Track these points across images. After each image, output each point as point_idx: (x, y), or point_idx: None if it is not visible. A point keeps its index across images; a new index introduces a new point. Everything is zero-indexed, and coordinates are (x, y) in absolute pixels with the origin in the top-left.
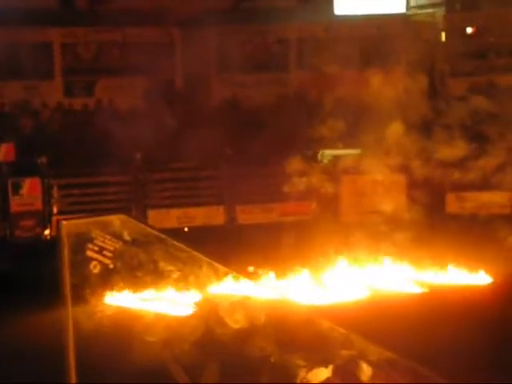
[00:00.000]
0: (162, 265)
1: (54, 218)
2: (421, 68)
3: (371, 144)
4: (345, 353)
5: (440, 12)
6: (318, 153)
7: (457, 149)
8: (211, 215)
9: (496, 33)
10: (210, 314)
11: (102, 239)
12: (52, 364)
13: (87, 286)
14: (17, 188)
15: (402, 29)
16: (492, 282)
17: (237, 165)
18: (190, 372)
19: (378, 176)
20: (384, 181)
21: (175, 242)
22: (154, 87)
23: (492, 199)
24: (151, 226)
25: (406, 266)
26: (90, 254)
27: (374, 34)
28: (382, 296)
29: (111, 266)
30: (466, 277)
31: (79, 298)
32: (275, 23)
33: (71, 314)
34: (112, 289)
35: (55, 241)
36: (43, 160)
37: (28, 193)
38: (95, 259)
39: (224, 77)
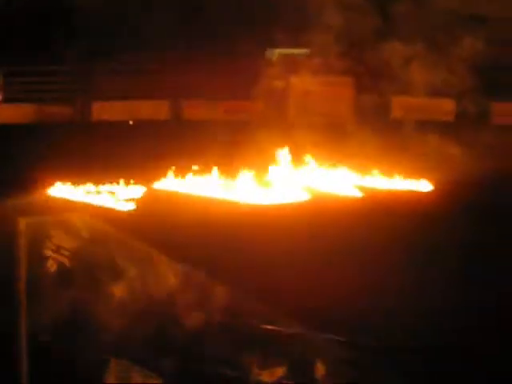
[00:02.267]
0: (120, 263)
1: None
2: None
3: (320, 44)
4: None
5: None
6: (266, 50)
7: (403, 52)
8: (156, 109)
9: None
10: (153, 210)
11: (59, 237)
12: None
13: (43, 284)
14: None
15: None
16: (432, 190)
17: (184, 60)
18: None
19: (325, 77)
20: (331, 82)
21: (133, 241)
22: None
23: (436, 106)
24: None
25: (348, 171)
26: (47, 252)
27: None
28: (323, 199)
29: (68, 265)
30: (407, 183)
31: (35, 294)
32: None
33: (24, 308)
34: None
35: None
36: None
37: None
38: (52, 258)
39: None
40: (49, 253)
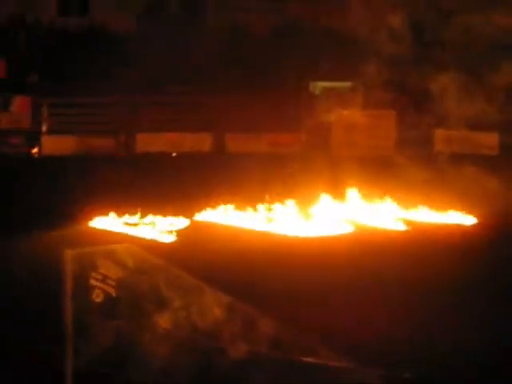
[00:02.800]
0: (165, 293)
1: (43, 137)
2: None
3: (363, 78)
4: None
5: None
6: (309, 84)
7: (448, 87)
8: (200, 142)
9: None
10: (196, 241)
11: (105, 268)
12: None
13: (89, 313)
14: (6, 105)
15: None
16: (476, 223)
17: (229, 93)
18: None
19: (368, 111)
20: (374, 115)
21: (179, 271)
22: (149, 7)
23: (480, 139)
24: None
25: (392, 204)
26: (93, 282)
27: None
28: (367, 232)
29: (114, 295)
30: (450, 216)
31: (81, 326)
32: None
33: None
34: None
35: (42, 160)
36: (34, 78)
37: (17, 110)
38: (98, 288)
39: (221, 1)
40: (95, 283)
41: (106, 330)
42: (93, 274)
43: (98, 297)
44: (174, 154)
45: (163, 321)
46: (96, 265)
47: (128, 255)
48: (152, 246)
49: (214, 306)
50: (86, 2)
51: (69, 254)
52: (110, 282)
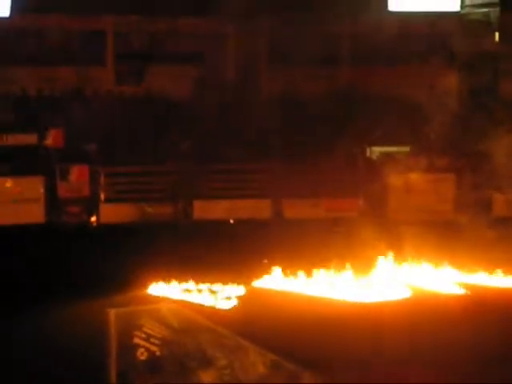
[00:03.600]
0: (209, 352)
1: (101, 205)
2: (473, 67)
3: (420, 142)
4: None
5: (495, 12)
6: (366, 149)
7: (506, 150)
8: (258, 208)
9: None
10: (253, 308)
11: (149, 327)
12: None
13: (134, 372)
14: (65, 174)
15: (456, 27)
16: None
17: (286, 159)
18: None
19: (426, 175)
20: (431, 180)
21: (223, 330)
22: (205, 77)
23: None
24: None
25: (450, 268)
26: (137, 341)
27: (427, 31)
28: (426, 296)
29: (158, 354)
30: (509, 281)
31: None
32: (328, 17)
33: None
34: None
35: (101, 228)
36: (92, 147)
37: (76, 179)
38: (142, 346)
39: (275, 69)
40: (139, 342)
41: None
42: (136, 332)
43: (142, 355)
44: (231, 221)
45: (207, 378)
46: (140, 324)
47: (171, 314)
48: (210, 313)
49: (258, 365)
50: (141, 72)
51: (112, 313)
52: (153, 340)
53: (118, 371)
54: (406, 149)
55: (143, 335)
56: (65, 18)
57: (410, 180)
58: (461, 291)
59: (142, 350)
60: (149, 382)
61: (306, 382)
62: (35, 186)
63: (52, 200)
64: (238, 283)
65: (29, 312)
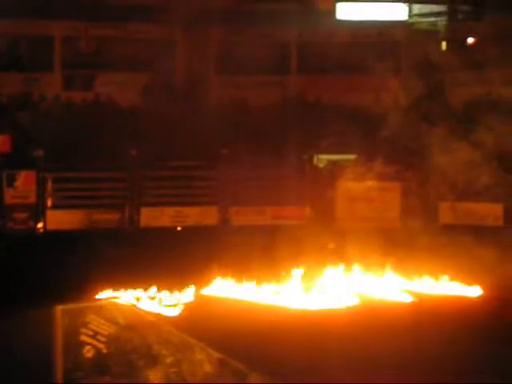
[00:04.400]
0: (156, 349)
1: (48, 212)
2: (420, 76)
3: (367, 150)
4: None
5: (442, 21)
6: (313, 157)
7: (452, 159)
8: (205, 215)
9: (497, 43)
10: (200, 315)
11: (96, 324)
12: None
13: (81, 371)
14: (11, 180)
15: (404, 36)
16: (482, 295)
17: (232, 166)
18: None
19: (372, 183)
20: (379, 188)
21: (169, 328)
22: (154, 84)
23: (485, 210)
24: (144, 311)
25: (397, 275)
26: (84, 338)
27: (375, 40)
28: (372, 304)
29: (105, 351)
30: (456, 288)
31: (72, 382)
32: (277, 26)
33: None
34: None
35: (47, 234)
36: (39, 153)
37: (22, 185)
38: (89, 344)
39: (224, 77)
40: (86, 339)
41: None
42: (83, 329)
43: (88, 352)
44: (178, 228)
45: (154, 376)
46: (86, 321)
47: (118, 311)
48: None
49: (204, 362)
50: (90, 78)
51: (59, 309)
52: (100, 337)
53: (64, 369)
54: (353, 157)
55: (90, 332)
56: (12, 22)
57: (357, 188)
58: (407, 298)
59: (88, 347)
60: (96, 381)
61: (253, 381)
62: None
63: None
64: (186, 290)
65: None
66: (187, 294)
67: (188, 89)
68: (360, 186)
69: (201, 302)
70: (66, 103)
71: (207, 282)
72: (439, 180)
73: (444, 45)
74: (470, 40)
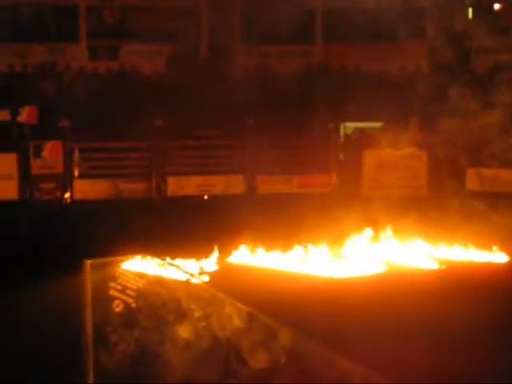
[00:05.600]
0: (185, 304)
1: (75, 182)
2: (446, 43)
3: (394, 118)
4: None
5: None
6: (340, 125)
7: (478, 125)
8: (231, 184)
9: None
10: (227, 283)
11: (125, 278)
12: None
13: (109, 324)
14: (38, 150)
15: (429, 2)
16: (508, 261)
17: (258, 135)
18: None
19: (399, 150)
20: (405, 155)
21: (199, 281)
22: (179, 53)
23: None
24: (175, 265)
25: (424, 242)
26: (112, 292)
27: (400, 7)
28: (399, 271)
29: (134, 305)
30: (483, 255)
31: (101, 336)
32: None
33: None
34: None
35: (74, 204)
36: (65, 123)
37: (49, 155)
38: (118, 298)
39: (249, 46)
40: (114, 293)
41: (125, 340)
42: (112, 284)
43: (117, 307)
44: (205, 197)
45: (183, 331)
46: (115, 275)
47: (147, 265)
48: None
49: (234, 317)
50: (115, 48)
51: (88, 263)
52: (129, 292)
53: (93, 324)
54: (379, 125)
55: (119, 286)
56: None
57: (384, 156)
58: (435, 265)
59: (117, 301)
60: (124, 336)
61: (282, 336)
62: (8, 163)
63: (25, 177)
64: (212, 258)
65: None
66: (213, 263)
67: (213, 58)
68: (386, 154)
69: (227, 270)
70: (91, 73)
71: (233, 251)
72: (466, 146)
73: (470, 11)
74: (497, 6)
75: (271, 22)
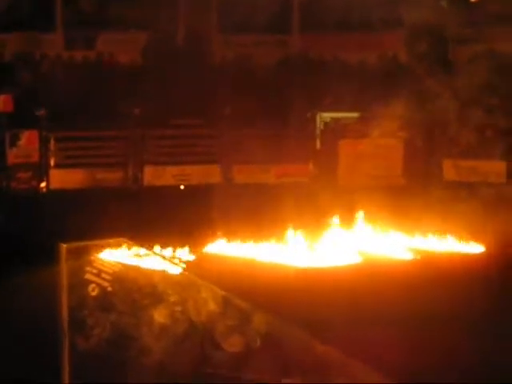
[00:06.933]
0: (161, 288)
1: (51, 171)
2: (424, 33)
3: (370, 108)
4: (341, 380)
5: None
6: (317, 115)
7: (455, 116)
8: (208, 174)
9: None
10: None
11: (100, 262)
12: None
13: (85, 308)
14: (14, 140)
15: None
16: (483, 251)
17: (235, 124)
18: None
19: (375, 140)
20: (382, 145)
21: (175, 263)
22: (155, 43)
23: (488, 168)
24: (148, 247)
25: (399, 233)
26: (88, 276)
27: None
28: (375, 261)
29: (109, 289)
30: (458, 245)
31: (76, 320)
32: None
33: (67, 337)
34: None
35: (50, 194)
36: (42, 112)
37: (25, 145)
38: (94, 282)
39: (225, 36)
40: (90, 277)
41: (101, 324)
42: (88, 268)
43: (93, 291)
44: (182, 187)
45: (158, 315)
46: (91, 259)
47: (123, 250)
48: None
49: (209, 301)
50: (92, 37)
51: (63, 247)
52: (105, 276)
53: (68, 307)
54: (356, 115)
55: (94, 270)
56: None
57: (360, 145)
58: (411, 256)
59: (93, 285)
60: (100, 320)
61: (256, 320)
62: None
63: (1, 166)
64: (188, 248)
65: None
66: (189, 252)
67: (190, 47)
68: (363, 144)
69: (203, 260)
70: (68, 62)
71: (210, 241)
72: (442, 137)
73: (446, 1)
74: None
75: (248, 11)
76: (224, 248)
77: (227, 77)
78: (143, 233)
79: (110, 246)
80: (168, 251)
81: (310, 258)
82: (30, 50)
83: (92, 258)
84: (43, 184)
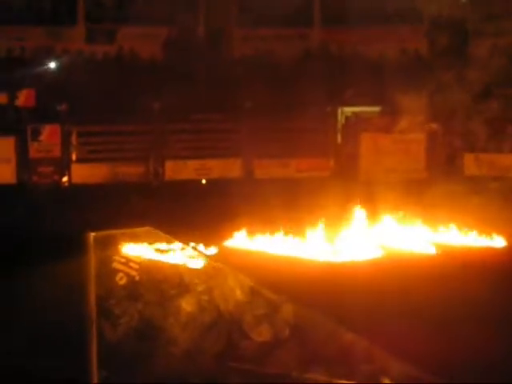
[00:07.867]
0: (188, 277)
1: (72, 166)
2: (445, 27)
3: (392, 102)
4: (366, 367)
5: None
6: (338, 109)
7: (476, 110)
8: (229, 168)
9: None
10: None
11: (128, 251)
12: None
13: (112, 297)
14: (36, 134)
15: None
16: (507, 246)
17: (256, 119)
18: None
19: (397, 135)
20: (404, 140)
21: (202, 253)
22: (175, 37)
23: (509, 162)
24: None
25: (422, 227)
26: (116, 265)
27: None
28: (397, 256)
29: (137, 278)
30: (481, 239)
31: (104, 309)
32: None
33: (96, 325)
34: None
35: (72, 188)
36: (63, 107)
37: (47, 139)
38: (121, 271)
39: (246, 30)
40: (118, 266)
41: (129, 313)
42: (116, 256)
43: (121, 280)
44: (203, 181)
45: (186, 304)
46: (119, 248)
47: (151, 238)
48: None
49: (236, 290)
50: (113, 32)
51: (91, 236)
52: (132, 264)
53: (96, 296)
54: (378, 109)
55: (122, 259)
56: None
57: (382, 140)
58: (434, 250)
59: (121, 274)
60: (128, 309)
61: (284, 311)
62: (6, 147)
63: (23, 160)
64: (210, 243)
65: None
66: (211, 247)
67: (210, 41)
68: (385, 138)
69: (224, 253)
70: (89, 56)
71: (231, 235)
72: (464, 131)
73: None
74: None
75: (268, 5)
76: (246, 242)
77: (248, 71)
78: (164, 227)
79: (137, 234)
80: (189, 246)
81: (331, 252)
82: (51, 44)
83: (119, 247)
84: (65, 178)
